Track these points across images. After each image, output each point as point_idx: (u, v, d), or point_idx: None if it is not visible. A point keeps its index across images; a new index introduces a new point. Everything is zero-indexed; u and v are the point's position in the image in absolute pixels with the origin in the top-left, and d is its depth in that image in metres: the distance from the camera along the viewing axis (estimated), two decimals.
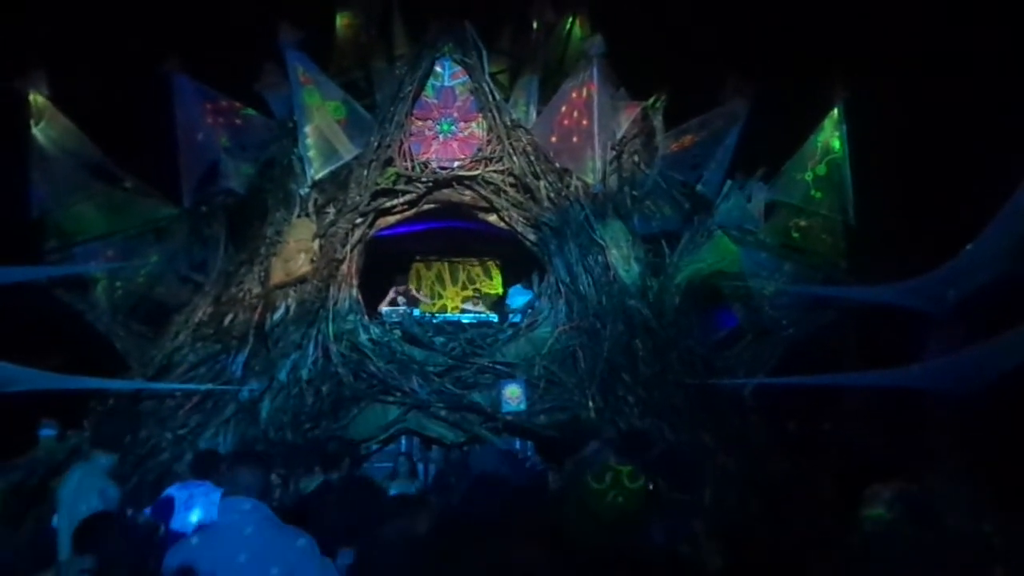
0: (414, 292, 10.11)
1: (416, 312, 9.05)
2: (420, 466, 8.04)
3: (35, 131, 7.97)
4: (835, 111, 8.44)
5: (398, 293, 9.50)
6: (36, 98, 8.03)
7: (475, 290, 11.24)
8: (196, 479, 4.44)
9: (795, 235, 8.70)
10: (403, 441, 8.11)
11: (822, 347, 8.25)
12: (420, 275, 11.10)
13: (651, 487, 3.64)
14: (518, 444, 8.08)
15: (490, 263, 11.31)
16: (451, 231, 9.91)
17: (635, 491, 3.43)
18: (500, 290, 11.09)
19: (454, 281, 11.38)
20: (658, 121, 8.81)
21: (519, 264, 9.60)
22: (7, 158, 8.07)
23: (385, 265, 9.64)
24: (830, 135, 8.42)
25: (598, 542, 3.31)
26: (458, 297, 11.28)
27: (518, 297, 9.44)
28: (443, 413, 7.92)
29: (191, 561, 2.93)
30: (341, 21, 9.44)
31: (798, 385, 7.81)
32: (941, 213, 7.84)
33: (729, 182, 8.61)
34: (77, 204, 8.13)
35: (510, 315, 9.00)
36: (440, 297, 11.12)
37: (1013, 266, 5.73)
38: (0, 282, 7.16)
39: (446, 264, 11.28)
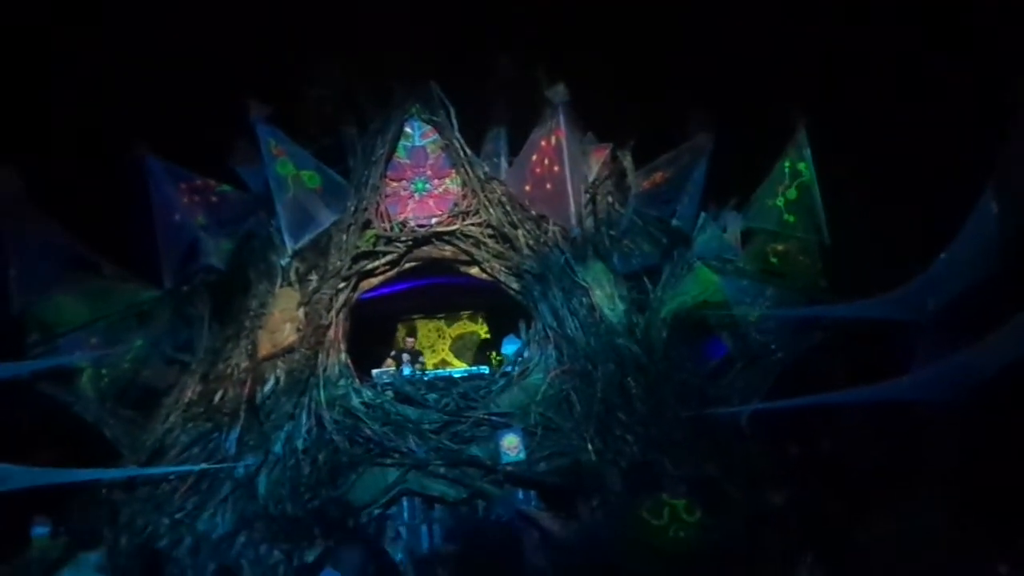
0: (418, 348, 10.21)
1: (407, 371, 9.07)
2: (423, 527, 7.92)
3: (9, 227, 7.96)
4: (798, 135, 8.63)
5: (403, 351, 9.62)
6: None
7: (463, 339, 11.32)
8: None
9: (773, 260, 8.81)
10: (404, 504, 8.00)
11: (813, 367, 8.29)
12: (415, 334, 11.13)
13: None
14: (521, 495, 8.00)
15: (477, 315, 11.34)
16: (436, 287, 9.96)
17: (693, 524, 3.41)
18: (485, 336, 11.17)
19: (441, 336, 11.41)
20: (628, 161, 8.97)
21: (509, 314, 9.63)
22: None
23: (373, 328, 9.66)
24: (796, 159, 8.59)
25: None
26: (445, 348, 11.31)
27: (511, 346, 9.46)
28: (443, 470, 7.86)
29: None
30: (309, 92, 9.59)
31: (793, 407, 7.83)
32: (914, 223, 8.01)
33: (703, 214, 8.74)
34: (57, 296, 8.09)
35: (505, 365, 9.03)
36: (433, 353, 11.13)
37: (985, 271, 5.85)
38: None
39: (431, 321, 11.30)
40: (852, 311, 7.75)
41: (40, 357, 7.85)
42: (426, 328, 11.36)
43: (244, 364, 8.07)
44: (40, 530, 6.90)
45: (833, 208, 8.31)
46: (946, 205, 6.37)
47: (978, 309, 6.10)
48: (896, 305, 7.00)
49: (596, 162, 9.07)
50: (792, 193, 8.54)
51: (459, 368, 9.83)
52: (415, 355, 9.69)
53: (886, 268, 7.18)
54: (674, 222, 8.78)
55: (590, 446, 7.74)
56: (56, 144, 9.62)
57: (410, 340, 10.11)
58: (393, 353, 9.56)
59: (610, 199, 9.06)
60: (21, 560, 6.65)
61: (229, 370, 8.08)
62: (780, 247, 8.77)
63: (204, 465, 7.50)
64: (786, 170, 8.59)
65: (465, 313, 11.36)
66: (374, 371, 8.86)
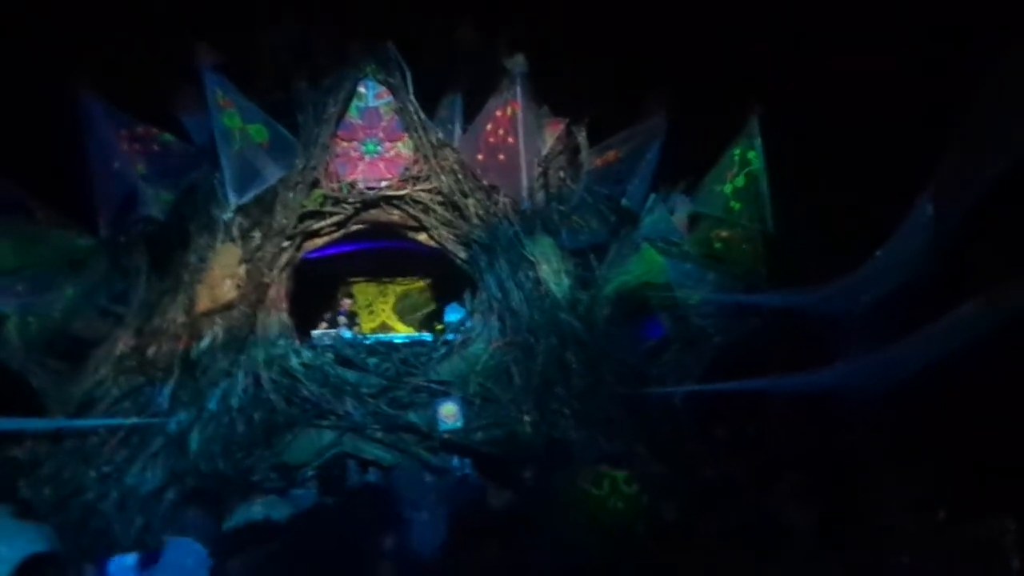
0: (353, 310, 10.12)
1: (347, 334, 9.01)
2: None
3: None
4: (750, 124, 8.71)
5: (339, 313, 9.51)
6: None
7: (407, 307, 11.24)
8: None
9: (717, 245, 8.94)
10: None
11: (748, 353, 8.51)
12: (352, 296, 10.99)
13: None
14: (456, 462, 8.09)
15: (421, 282, 11.28)
16: (381, 251, 9.87)
17: (632, 495, 3.50)
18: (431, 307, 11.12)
19: (385, 300, 11.32)
20: (582, 138, 8.96)
21: (453, 282, 9.62)
22: None
23: (315, 288, 9.54)
24: (747, 147, 8.68)
25: (604, 548, 3.37)
26: (389, 312, 11.23)
27: (454, 315, 9.46)
28: (379, 435, 7.89)
29: None
30: (262, 42, 9.25)
31: (725, 391, 8.05)
32: (854, 220, 8.24)
33: (653, 195, 8.81)
34: None
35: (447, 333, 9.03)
36: (372, 315, 11.04)
37: (915, 274, 6.07)
38: None
39: (376, 285, 11.20)
40: (788, 301, 7.96)
41: None
42: (366, 288, 11.23)
43: (181, 319, 7.89)
44: None
45: (778, 198, 8.46)
46: (885, 205, 6.57)
47: (907, 308, 6.34)
48: (830, 298, 7.22)
49: (550, 136, 9.05)
50: (740, 181, 8.64)
51: (401, 334, 9.80)
52: (351, 317, 9.62)
53: (824, 261, 7.37)
54: (624, 201, 8.85)
55: (526, 418, 7.87)
56: None
57: (347, 301, 9.98)
58: (328, 315, 9.45)
59: (562, 174, 9.09)
60: None
61: (165, 325, 7.89)
62: (724, 233, 8.89)
63: (135, 419, 7.36)
64: (736, 158, 8.67)
65: (413, 279, 11.29)
66: (314, 332, 8.79)
